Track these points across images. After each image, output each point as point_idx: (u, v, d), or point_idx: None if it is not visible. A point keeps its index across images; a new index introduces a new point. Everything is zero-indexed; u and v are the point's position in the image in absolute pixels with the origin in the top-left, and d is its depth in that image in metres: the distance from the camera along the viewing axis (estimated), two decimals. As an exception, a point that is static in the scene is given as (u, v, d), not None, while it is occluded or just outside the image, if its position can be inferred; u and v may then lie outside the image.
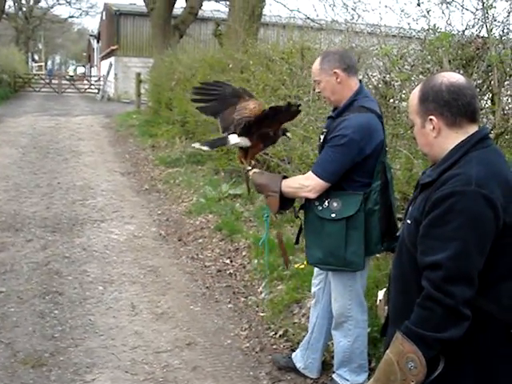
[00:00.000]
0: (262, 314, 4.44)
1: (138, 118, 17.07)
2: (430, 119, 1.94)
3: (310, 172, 3.05)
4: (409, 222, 1.98)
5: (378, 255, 5.26)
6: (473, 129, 1.93)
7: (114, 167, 10.45)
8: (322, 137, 3.11)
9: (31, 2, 49.17)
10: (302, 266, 4.87)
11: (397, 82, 5.12)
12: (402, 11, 4.91)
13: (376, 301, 4.15)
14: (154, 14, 18.07)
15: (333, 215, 3.02)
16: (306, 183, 3.04)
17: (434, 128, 1.94)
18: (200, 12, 19.76)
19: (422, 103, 1.96)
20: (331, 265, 3.14)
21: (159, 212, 7.41)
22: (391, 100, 5.18)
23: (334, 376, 3.45)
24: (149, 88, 16.95)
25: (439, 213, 1.81)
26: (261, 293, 4.80)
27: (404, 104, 5.06)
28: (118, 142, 13.71)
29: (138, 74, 19.02)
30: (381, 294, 4.12)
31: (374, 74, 5.55)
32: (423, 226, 1.86)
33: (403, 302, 2.03)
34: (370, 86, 5.45)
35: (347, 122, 2.96)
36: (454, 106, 1.90)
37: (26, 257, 5.54)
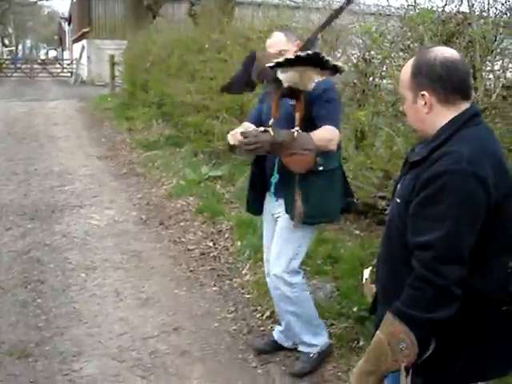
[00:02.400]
0: (247, 296, 4.43)
1: (112, 100, 16.84)
2: (422, 94, 1.89)
3: (329, 126, 3.02)
4: (398, 200, 1.95)
5: (361, 233, 5.30)
6: (464, 106, 1.90)
7: (91, 152, 10.31)
8: None
9: (-1, -15, 48.01)
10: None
11: (377, 59, 5.10)
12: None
13: (361, 279, 4.21)
14: (127, -5, 17.76)
15: (320, 168, 3.09)
16: (331, 136, 3.01)
17: (425, 104, 1.90)
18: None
19: (414, 78, 1.91)
20: (313, 217, 3.20)
21: (139, 196, 7.33)
22: (371, 78, 5.16)
23: (300, 348, 3.50)
24: (123, 70, 16.72)
25: (430, 192, 1.79)
26: (245, 274, 4.78)
27: (384, 81, 5.05)
28: (93, 125, 13.51)
29: (112, 57, 18.74)
30: (366, 273, 4.12)
31: (353, 52, 5.51)
32: (413, 205, 1.84)
33: (392, 282, 2.01)
34: (350, 64, 5.43)
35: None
36: (447, 82, 1.86)
37: (5, 246, 5.45)
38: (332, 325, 3.80)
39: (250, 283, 4.56)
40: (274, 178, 3.18)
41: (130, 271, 4.95)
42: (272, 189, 3.24)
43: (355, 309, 3.83)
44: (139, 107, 13.40)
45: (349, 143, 4.87)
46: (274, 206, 3.34)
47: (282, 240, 3.29)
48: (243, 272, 4.84)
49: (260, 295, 4.32)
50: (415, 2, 4.49)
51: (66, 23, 43.58)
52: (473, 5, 3.78)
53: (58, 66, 36.68)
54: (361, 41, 5.26)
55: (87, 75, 28.21)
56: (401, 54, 4.76)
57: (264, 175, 3.33)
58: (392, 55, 4.84)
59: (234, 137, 3.06)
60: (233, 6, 10.71)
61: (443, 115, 1.90)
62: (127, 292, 4.53)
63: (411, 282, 1.82)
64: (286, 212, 3.19)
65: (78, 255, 5.26)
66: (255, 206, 3.51)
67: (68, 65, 34.05)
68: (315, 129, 2.98)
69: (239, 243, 5.33)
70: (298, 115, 2.95)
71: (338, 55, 5.96)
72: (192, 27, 11.53)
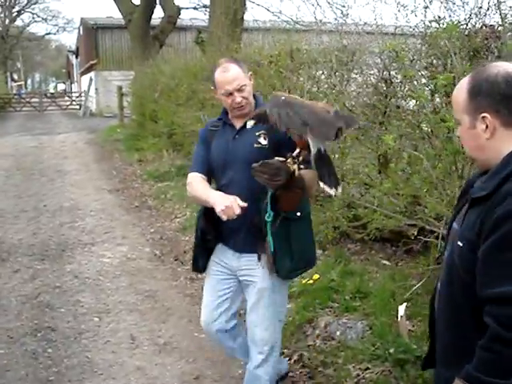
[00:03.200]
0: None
1: (122, 131, 16.72)
2: (483, 117, 1.63)
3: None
4: (460, 244, 1.65)
5: (389, 263, 4.99)
6: None
7: (102, 185, 10.10)
8: None
9: (7, 22, 48.61)
10: (311, 282, 4.58)
11: (397, 79, 4.85)
12: (399, 3, 4.64)
13: (396, 316, 3.90)
14: (132, 26, 17.72)
15: (298, 214, 2.77)
16: (316, 177, 2.67)
17: (487, 128, 1.63)
18: (178, 21, 19.42)
19: (472, 98, 1.65)
20: (299, 269, 2.93)
21: (152, 230, 7.08)
22: (392, 99, 4.89)
23: None
24: (131, 101, 16.62)
25: (504, 234, 1.50)
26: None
27: (411, 103, 4.78)
28: (103, 158, 13.34)
29: (120, 88, 18.67)
30: (401, 309, 3.84)
31: (371, 72, 5.26)
32: (484, 250, 1.55)
33: (453, 338, 1.72)
34: (368, 85, 5.18)
35: None
36: None
37: (14, 289, 5.19)
38: (367, 369, 3.48)
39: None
40: (269, 217, 2.68)
41: (146, 313, 4.66)
42: (268, 229, 2.74)
43: (392, 350, 3.50)
44: (149, 138, 13.23)
45: (372, 169, 4.58)
46: (236, 262, 2.92)
47: (265, 305, 2.86)
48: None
49: (286, 336, 4.00)
50: (439, 18, 4.25)
51: (74, 56, 43.87)
52: (505, 15, 3.51)
53: (66, 98, 36.86)
54: (379, 60, 5.00)
55: (96, 107, 28.21)
56: (425, 72, 4.51)
57: (217, 227, 2.86)
58: (418, 74, 4.60)
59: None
60: (240, 32, 10.54)
61: (509, 140, 1.62)
62: (143, 337, 4.24)
63: (485, 343, 1.52)
64: (269, 267, 2.79)
65: (90, 297, 4.99)
66: (203, 262, 3.03)
67: (77, 97, 34.14)
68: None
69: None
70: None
71: (355, 75, 5.72)
72: (199, 55, 11.38)
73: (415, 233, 3.82)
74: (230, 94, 2.70)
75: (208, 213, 2.79)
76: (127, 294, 5.05)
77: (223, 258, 2.95)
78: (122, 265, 5.84)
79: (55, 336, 4.26)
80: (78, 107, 30.99)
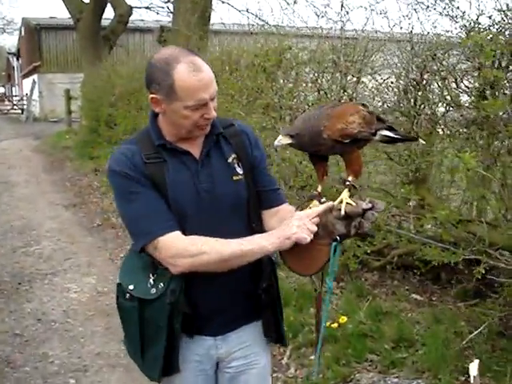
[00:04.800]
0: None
1: (72, 138, 15.56)
2: None
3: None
4: None
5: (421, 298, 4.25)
6: None
7: (55, 199, 9.04)
8: None
9: None
10: (336, 325, 3.78)
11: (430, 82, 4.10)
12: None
13: (469, 375, 3.15)
14: (81, 25, 16.53)
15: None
16: None
17: None
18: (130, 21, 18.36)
19: None
20: None
21: (122, 255, 6.10)
22: (422, 105, 4.16)
23: None
24: (82, 105, 15.47)
25: None
26: (288, 366, 3.65)
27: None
28: (53, 167, 12.21)
29: (68, 91, 17.49)
30: (474, 368, 3.08)
31: (393, 74, 4.52)
32: None
33: None
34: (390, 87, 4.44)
35: None
36: None
37: (-39, 340, 4.19)
38: None
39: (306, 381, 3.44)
40: (330, 283, 1.85)
41: (134, 369, 3.74)
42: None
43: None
44: (104, 145, 12.17)
45: (407, 189, 3.81)
46: (223, 347, 2.00)
47: None
48: (284, 363, 3.71)
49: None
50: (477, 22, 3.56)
51: (15, 58, 41.84)
52: None
53: (7, 102, 34.93)
54: (401, 58, 4.25)
55: (39, 111, 26.67)
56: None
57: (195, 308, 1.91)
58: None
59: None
60: (207, 31, 9.67)
61: None
62: (136, 406, 3.34)
63: None
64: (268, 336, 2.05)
65: (60, 349, 4.03)
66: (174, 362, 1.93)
67: (18, 101, 32.38)
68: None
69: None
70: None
71: (366, 78, 4.98)
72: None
73: (482, 270, 3.07)
74: (204, 104, 1.79)
75: (193, 284, 1.85)
76: (106, 343, 4.12)
77: (197, 350, 1.97)
78: (93, 302, 4.89)
79: (21, 409, 3.32)
80: (20, 111, 29.32)
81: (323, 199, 1.85)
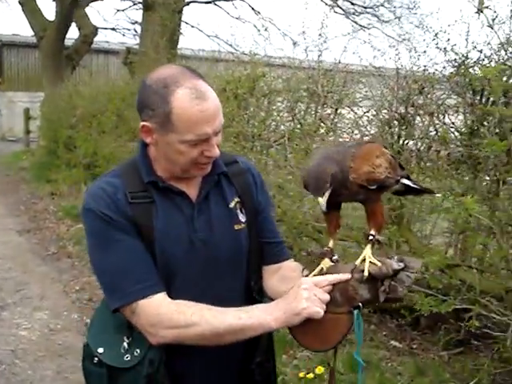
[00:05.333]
0: None
1: (28, 158, 14.98)
2: None
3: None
4: None
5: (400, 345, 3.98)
6: None
7: (8, 223, 8.53)
8: None
9: None
10: (311, 376, 3.48)
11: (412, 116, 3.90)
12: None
13: None
14: (45, 43, 16.09)
15: None
16: None
17: None
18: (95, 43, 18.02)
19: None
20: None
21: (77, 287, 5.71)
22: (406, 141, 3.95)
23: None
24: (41, 125, 14.95)
25: None
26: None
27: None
28: (8, 189, 11.63)
29: (27, 110, 16.95)
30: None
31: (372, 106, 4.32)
32: None
33: None
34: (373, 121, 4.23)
35: None
36: None
37: None
38: None
39: None
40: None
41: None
42: None
43: None
44: (62, 167, 11.71)
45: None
46: None
47: None
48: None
49: None
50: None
51: (-28, 75, 40.81)
52: None
53: (-38, 119, 33.88)
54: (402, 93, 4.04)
55: (-3, 130, 25.93)
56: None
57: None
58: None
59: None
60: (175, 54, 9.44)
61: None
62: None
63: None
64: None
65: (4, 396, 3.63)
66: None
67: (-26, 118, 31.43)
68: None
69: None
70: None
71: (344, 112, 4.77)
72: (127, 78, 10.14)
73: (476, 323, 2.82)
74: (205, 140, 1.49)
75: (176, 354, 1.53)
76: (57, 390, 3.73)
77: None
78: (44, 340, 4.47)
79: None
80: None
81: (335, 256, 1.55)
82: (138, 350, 1.50)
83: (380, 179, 1.49)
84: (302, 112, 5.16)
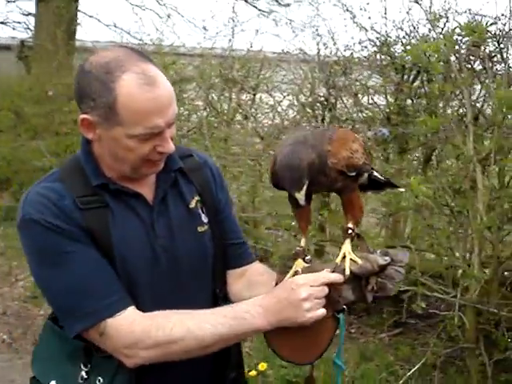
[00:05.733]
0: None
1: None
2: None
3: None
4: None
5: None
6: None
7: None
8: None
9: None
10: (254, 373, 3.35)
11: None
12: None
13: None
14: None
15: None
16: None
17: None
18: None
19: None
20: None
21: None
22: (331, 123, 3.88)
23: None
24: None
25: None
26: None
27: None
28: None
29: None
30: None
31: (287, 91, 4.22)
32: None
33: None
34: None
35: None
36: None
37: None
38: None
39: None
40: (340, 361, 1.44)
41: None
42: None
43: None
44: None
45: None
46: None
47: None
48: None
49: None
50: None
51: None
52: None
53: None
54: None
55: None
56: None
57: None
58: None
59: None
60: (73, 46, 8.99)
61: None
62: None
63: None
64: None
65: None
66: None
67: None
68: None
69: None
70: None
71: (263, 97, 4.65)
72: (23, 72, 9.58)
73: (422, 304, 2.77)
74: (157, 133, 1.29)
75: (144, 377, 1.34)
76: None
77: None
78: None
79: None
80: None
81: (308, 257, 1.38)
82: (101, 378, 1.30)
83: (358, 165, 1.35)
84: (216, 99, 4.99)
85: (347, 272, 1.28)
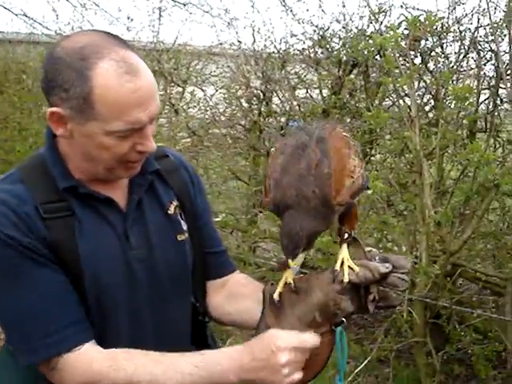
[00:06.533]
0: None
1: None
2: None
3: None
4: None
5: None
6: None
7: None
8: None
9: None
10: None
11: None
12: None
13: None
14: None
15: None
16: None
17: None
18: None
19: None
20: None
21: None
22: (268, 117, 3.79)
23: None
24: None
25: None
26: None
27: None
28: None
29: None
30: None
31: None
32: None
33: None
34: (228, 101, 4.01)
35: None
36: None
37: None
38: None
39: None
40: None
41: None
42: None
43: None
44: None
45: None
46: None
47: None
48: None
49: None
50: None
51: None
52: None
53: None
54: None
55: None
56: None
57: None
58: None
59: None
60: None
61: None
62: None
63: None
64: None
65: None
66: None
67: None
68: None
69: None
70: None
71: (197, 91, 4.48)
72: None
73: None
74: (138, 130, 1.13)
75: None
76: None
77: None
78: None
79: None
80: None
81: (295, 266, 1.19)
82: None
83: (361, 186, 1.21)
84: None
85: (345, 279, 1.17)
